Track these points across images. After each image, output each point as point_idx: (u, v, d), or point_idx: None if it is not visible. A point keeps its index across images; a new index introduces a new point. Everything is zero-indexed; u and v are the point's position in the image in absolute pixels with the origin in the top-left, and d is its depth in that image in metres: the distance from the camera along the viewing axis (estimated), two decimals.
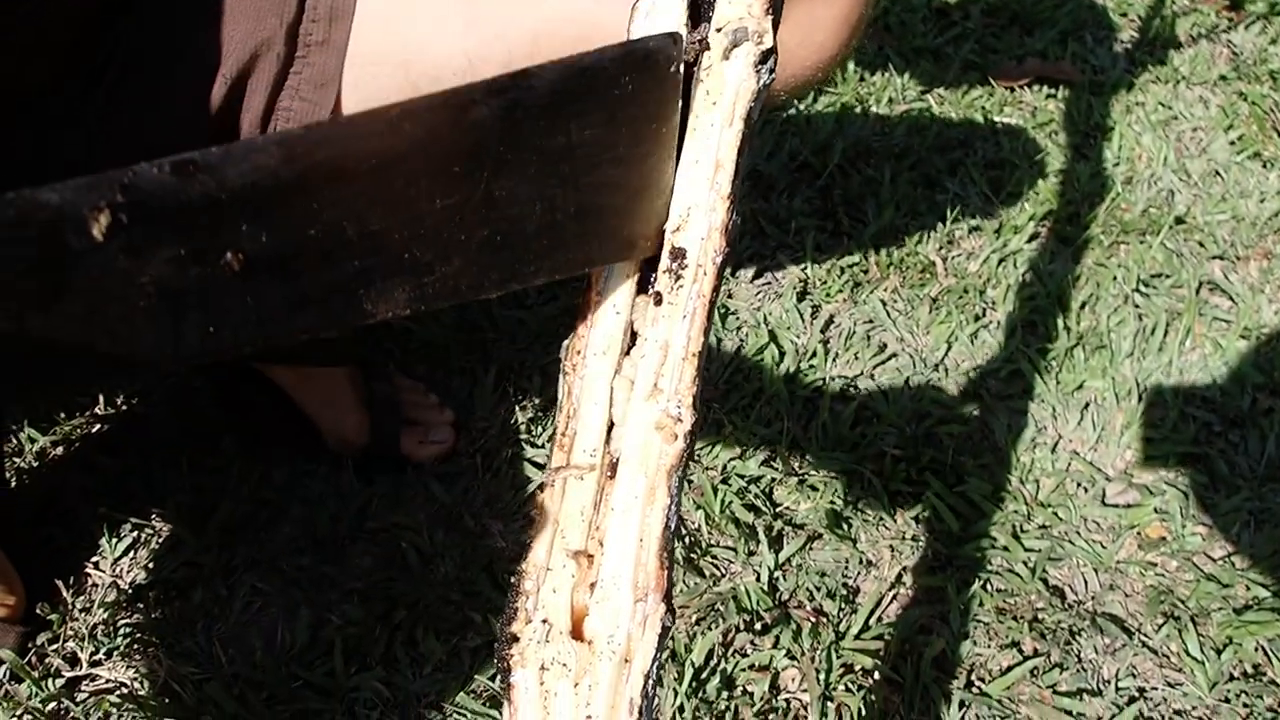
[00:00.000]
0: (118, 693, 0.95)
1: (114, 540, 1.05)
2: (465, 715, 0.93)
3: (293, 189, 0.37)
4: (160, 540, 1.06)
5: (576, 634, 0.45)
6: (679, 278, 0.48)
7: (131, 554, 1.05)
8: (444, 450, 1.13)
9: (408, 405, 1.14)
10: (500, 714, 0.93)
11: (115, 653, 0.97)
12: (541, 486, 0.47)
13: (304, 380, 1.09)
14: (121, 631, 0.99)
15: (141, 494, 1.10)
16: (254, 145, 0.36)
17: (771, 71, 0.50)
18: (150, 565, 1.04)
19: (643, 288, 0.50)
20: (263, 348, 0.41)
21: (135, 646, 0.98)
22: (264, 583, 1.03)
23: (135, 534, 1.06)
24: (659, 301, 0.48)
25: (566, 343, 0.49)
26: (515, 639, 0.44)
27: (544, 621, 0.45)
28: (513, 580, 0.45)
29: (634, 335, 0.49)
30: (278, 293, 0.40)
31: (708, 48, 0.51)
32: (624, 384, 0.48)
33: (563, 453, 0.48)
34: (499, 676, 0.45)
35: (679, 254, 0.48)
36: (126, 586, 1.02)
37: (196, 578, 1.04)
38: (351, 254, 0.40)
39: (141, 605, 1.01)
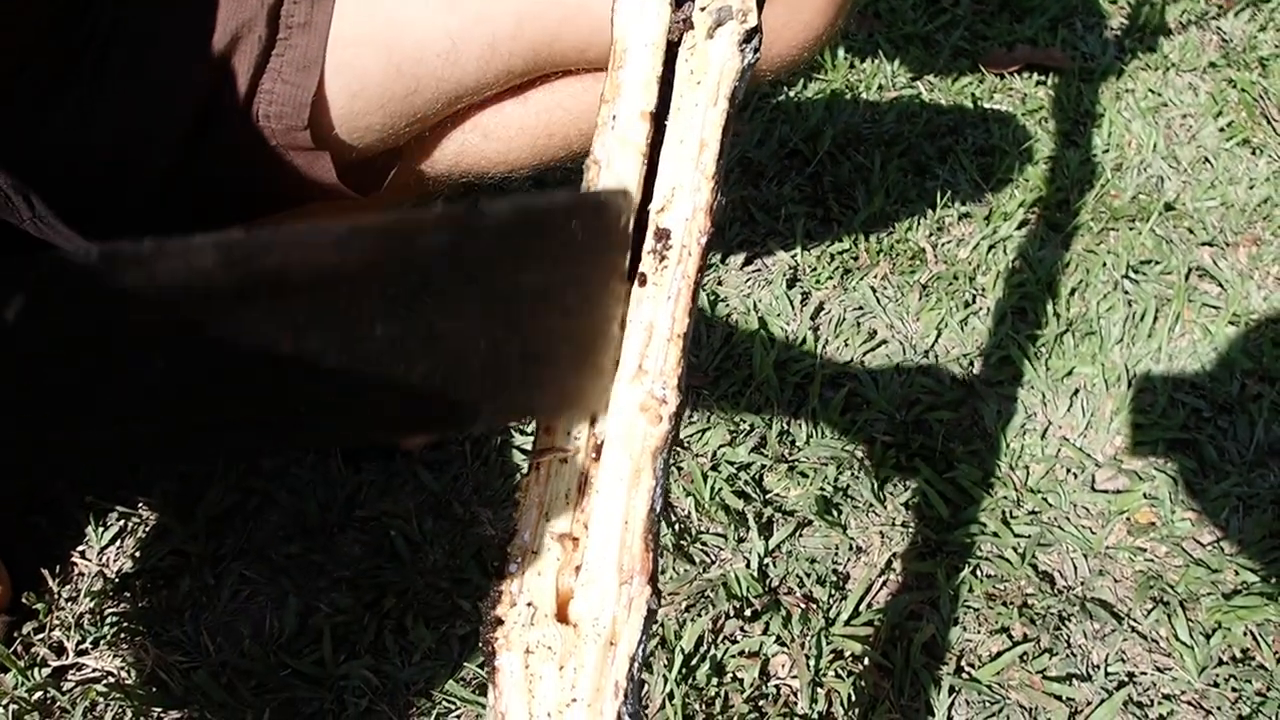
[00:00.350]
0: (104, 682, 0.94)
1: (100, 529, 1.04)
2: (454, 703, 0.93)
3: (228, 295, 0.34)
4: (147, 529, 1.06)
5: (562, 617, 0.45)
6: (663, 258, 0.48)
7: (118, 543, 1.05)
8: (432, 439, 1.12)
9: None
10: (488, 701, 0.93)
11: (102, 642, 0.97)
12: (528, 469, 0.47)
13: None
14: (108, 621, 0.98)
15: (128, 483, 1.09)
16: (190, 244, 0.33)
17: (756, 51, 0.50)
18: (137, 554, 1.04)
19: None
20: (165, 462, 0.39)
21: (122, 635, 0.97)
22: (252, 571, 1.03)
23: (122, 523, 1.05)
24: (643, 283, 0.48)
25: None
26: (500, 622, 0.44)
27: (529, 605, 0.45)
28: (497, 564, 0.45)
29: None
30: (196, 408, 0.38)
31: (691, 26, 0.50)
32: None
33: (548, 435, 0.47)
34: (484, 661, 0.45)
35: (663, 234, 0.48)
36: (113, 575, 1.02)
37: (184, 566, 1.03)
38: (284, 373, 0.38)
39: (128, 594, 1.01)
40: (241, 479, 1.09)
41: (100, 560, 1.03)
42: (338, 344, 0.38)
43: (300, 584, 1.02)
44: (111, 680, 0.94)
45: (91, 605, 0.99)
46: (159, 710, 0.92)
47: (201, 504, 1.07)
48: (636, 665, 0.44)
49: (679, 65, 0.50)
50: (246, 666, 0.95)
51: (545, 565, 0.45)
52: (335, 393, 0.40)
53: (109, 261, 0.32)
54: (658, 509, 0.46)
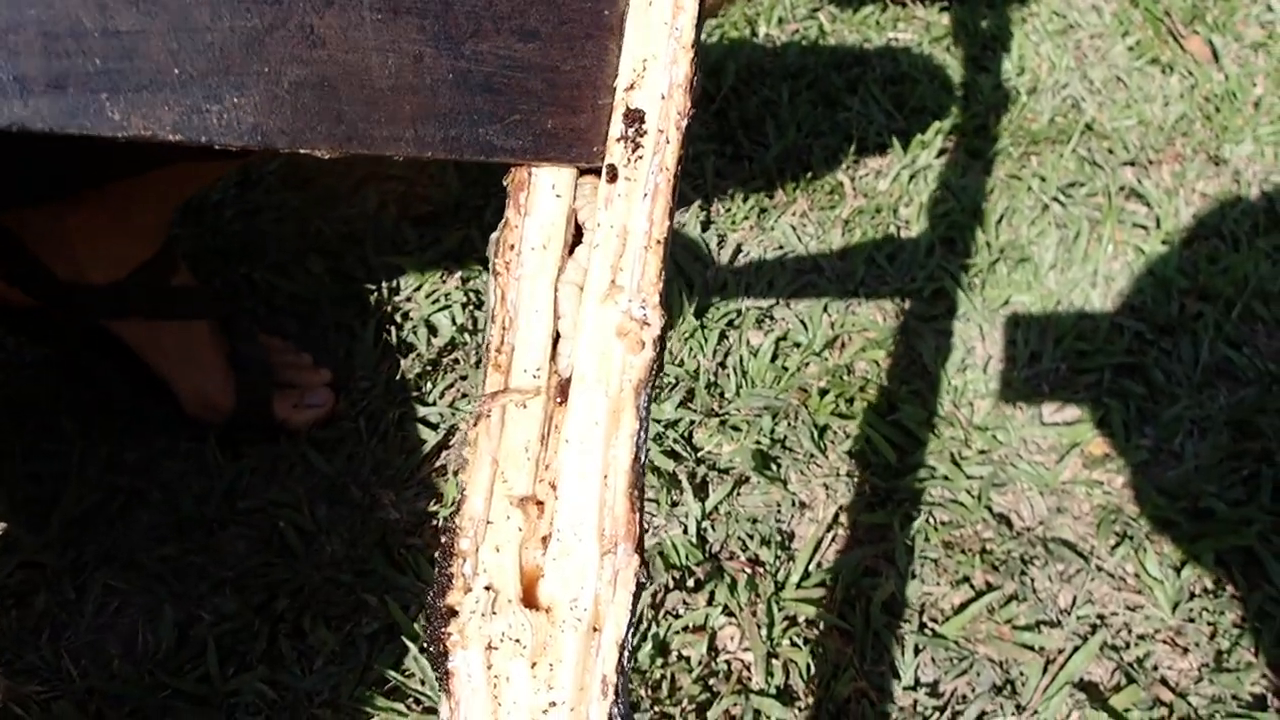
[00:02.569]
0: None
1: None
2: (366, 712, 0.81)
3: None
4: None
5: (529, 601, 0.36)
6: (637, 147, 0.39)
7: None
8: (322, 414, 1.00)
9: (278, 366, 1.00)
10: (407, 709, 0.82)
11: None
12: (474, 420, 0.38)
13: (156, 337, 0.94)
14: None
15: None
16: None
17: None
18: None
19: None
20: None
21: None
22: (120, 580, 0.89)
23: None
24: (613, 178, 0.39)
25: (495, 236, 0.40)
26: (453, 613, 0.36)
27: (487, 588, 0.36)
28: (444, 541, 0.36)
29: (579, 229, 0.40)
30: None
31: None
32: (571, 289, 0.38)
33: (499, 373, 0.38)
34: (433, 662, 0.36)
35: (635, 117, 0.39)
36: None
37: (38, 581, 0.89)
38: (89, 50, 0.32)
39: None
40: (103, 474, 0.95)
41: None
42: (161, 28, 0.32)
43: (177, 591, 0.89)
44: None
45: None
46: None
47: (56, 507, 0.93)
48: (626, 654, 0.35)
49: None
50: (118, 690, 0.82)
51: (504, 538, 0.37)
52: (160, 82, 0.33)
53: None
54: (643, 459, 0.37)
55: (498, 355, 0.39)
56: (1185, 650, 0.87)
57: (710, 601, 0.88)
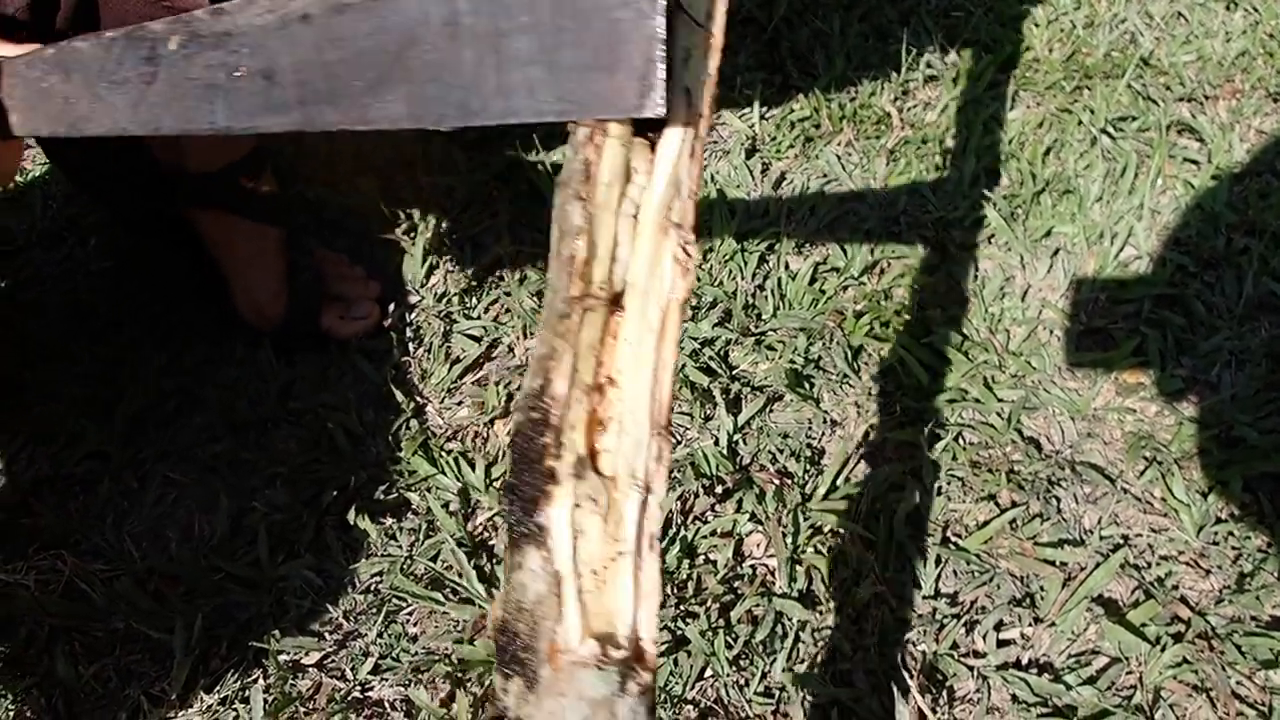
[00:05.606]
0: (17, 597, 0.86)
1: (5, 438, 0.95)
2: (405, 599, 0.86)
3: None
4: (60, 435, 0.96)
5: (595, 470, 0.43)
6: (687, 119, 0.46)
7: (28, 450, 0.95)
8: (367, 327, 1.04)
9: (330, 278, 1.05)
10: (444, 598, 0.86)
11: (14, 554, 0.88)
12: (562, 315, 0.44)
13: (230, 234, 0.99)
14: (20, 531, 0.89)
15: (33, 388, 1.00)
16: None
17: None
18: (50, 460, 0.95)
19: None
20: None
21: (35, 548, 0.89)
22: (178, 473, 0.94)
23: (30, 430, 0.96)
24: (658, 135, 0.46)
25: (576, 169, 0.46)
26: (552, 475, 0.42)
27: (578, 458, 0.43)
28: (533, 416, 0.43)
29: (628, 174, 0.47)
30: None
31: None
32: (626, 220, 0.46)
33: (582, 282, 0.45)
34: (517, 520, 0.42)
35: (684, 93, 0.46)
36: (25, 484, 0.93)
37: (102, 471, 0.94)
38: None
39: (40, 504, 0.92)
40: (162, 377, 1.00)
41: (9, 470, 0.94)
42: None
43: (232, 484, 0.93)
44: (25, 594, 0.86)
45: (2, 518, 0.90)
46: (78, 622, 0.84)
47: (119, 405, 0.98)
48: (663, 516, 0.42)
49: None
50: (175, 571, 0.87)
51: (577, 418, 0.43)
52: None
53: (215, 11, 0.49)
54: (680, 363, 0.44)
55: (584, 267, 0.45)
56: (1207, 572, 0.88)
57: (738, 510, 0.90)
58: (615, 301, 0.45)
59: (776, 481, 0.92)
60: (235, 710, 0.80)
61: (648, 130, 0.46)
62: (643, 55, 0.41)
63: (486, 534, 0.90)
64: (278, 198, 1.01)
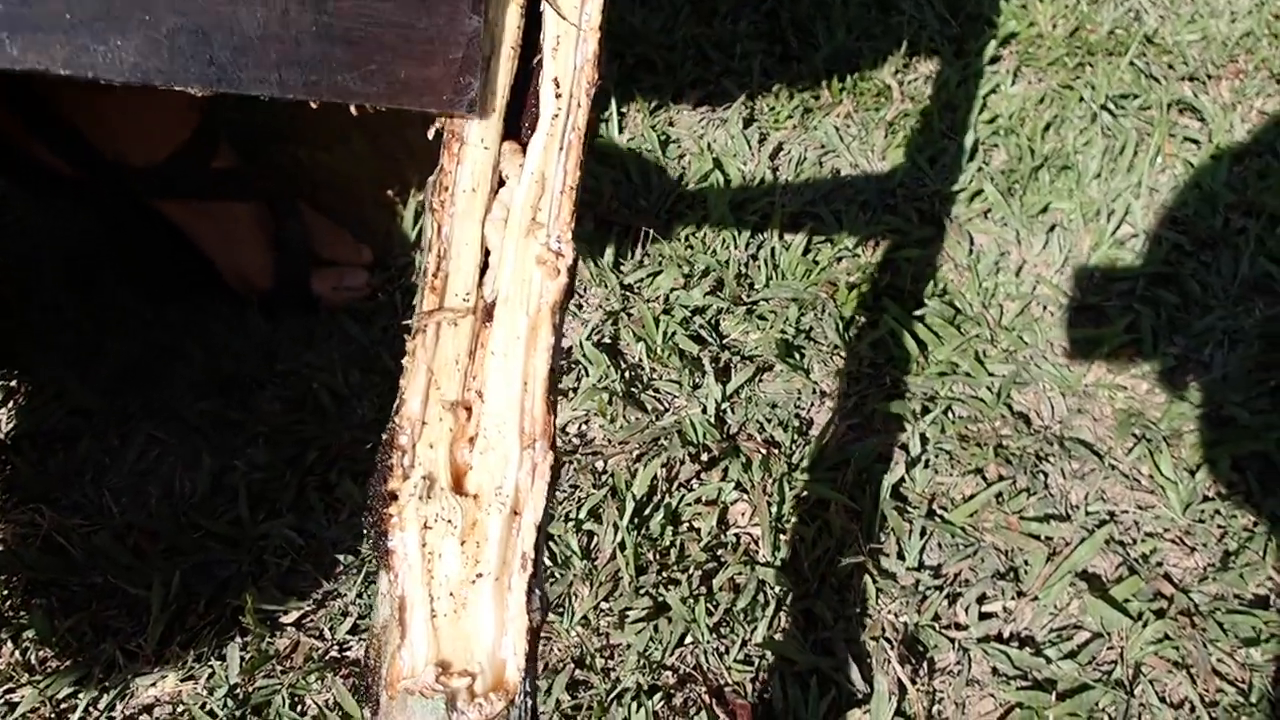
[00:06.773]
0: None
1: None
2: None
3: None
4: (43, 390, 0.96)
5: (459, 491, 0.41)
6: (554, 111, 0.45)
7: (8, 405, 0.95)
8: (356, 296, 1.02)
9: (319, 244, 1.03)
10: None
11: None
12: (413, 334, 0.43)
13: (199, 217, 0.97)
14: None
15: (21, 342, 0.99)
16: None
17: None
18: (30, 414, 0.94)
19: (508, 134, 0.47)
20: None
21: (14, 501, 0.88)
22: (161, 430, 0.94)
23: (11, 383, 0.95)
24: (531, 132, 0.45)
25: (432, 179, 0.45)
26: (393, 497, 0.41)
27: (424, 477, 0.41)
28: (384, 437, 0.42)
29: (501, 179, 0.46)
30: None
31: None
32: (496, 226, 0.44)
33: (435, 295, 0.44)
34: (374, 543, 0.41)
35: (553, 84, 0.45)
36: (5, 439, 0.92)
37: (84, 427, 0.94)
38: None
39: (20, 458, 0.91)
40: (147, 331, 0.99)
41: None
42: None
43: (215, 442, 0.93)
44: (2, 547, 0.85)
45: None
46: (55, 575, 0.83)
47: (103, 360, 0.97)
48: (542, 535, 0.41)
49: None
50: (154, 528, 0.86)
51: (438, 436, 0.42)
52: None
53: None
54: (558, 370, 0.43)
55: (434, 280, 0.44)
56: (1193, 550, 0.87)
57: (724, 478, 0.90)
58: (490, 313, 0.43)
59: (763, 451, 0.91)
60: (211, 667, 0.79)
61: (520, 134, 0.46)
62: (459, 52, 0.41)
63: None
64: (240, 172, 0.98)
